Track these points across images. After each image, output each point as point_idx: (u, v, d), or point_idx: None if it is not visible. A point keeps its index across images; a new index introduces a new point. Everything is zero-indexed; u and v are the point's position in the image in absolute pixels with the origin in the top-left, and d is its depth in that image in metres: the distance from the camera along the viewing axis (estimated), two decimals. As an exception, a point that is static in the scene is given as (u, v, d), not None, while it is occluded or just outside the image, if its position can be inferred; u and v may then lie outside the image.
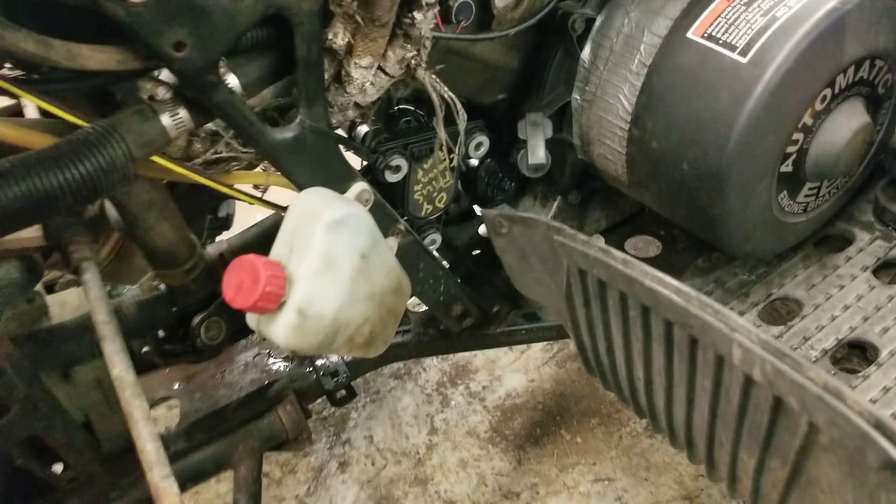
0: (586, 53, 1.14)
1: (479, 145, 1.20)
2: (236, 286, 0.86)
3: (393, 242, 1.06)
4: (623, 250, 1.52)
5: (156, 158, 0.89)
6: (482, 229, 1.59)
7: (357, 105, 0.97)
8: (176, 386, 1.42)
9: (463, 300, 1.27)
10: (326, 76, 0.91)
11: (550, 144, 1.27)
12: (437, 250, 1.56)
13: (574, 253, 0.86)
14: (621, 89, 1.10)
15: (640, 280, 0.76)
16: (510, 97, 1.26)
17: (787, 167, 1.06)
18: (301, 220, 0.91)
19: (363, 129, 1.30)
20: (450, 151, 1.17)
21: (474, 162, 1.33)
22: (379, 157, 1.10)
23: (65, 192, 0.70)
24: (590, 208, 1.44)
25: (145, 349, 1.14)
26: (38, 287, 1.14)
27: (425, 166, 1.15)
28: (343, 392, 1.34)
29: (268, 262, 0.86)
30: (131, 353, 0.88)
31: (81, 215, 1.03)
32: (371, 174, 1.12)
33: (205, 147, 0.93)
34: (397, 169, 1.11)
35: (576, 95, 1.16)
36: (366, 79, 0.91)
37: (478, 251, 1.60)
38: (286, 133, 0.88)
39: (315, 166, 0.93)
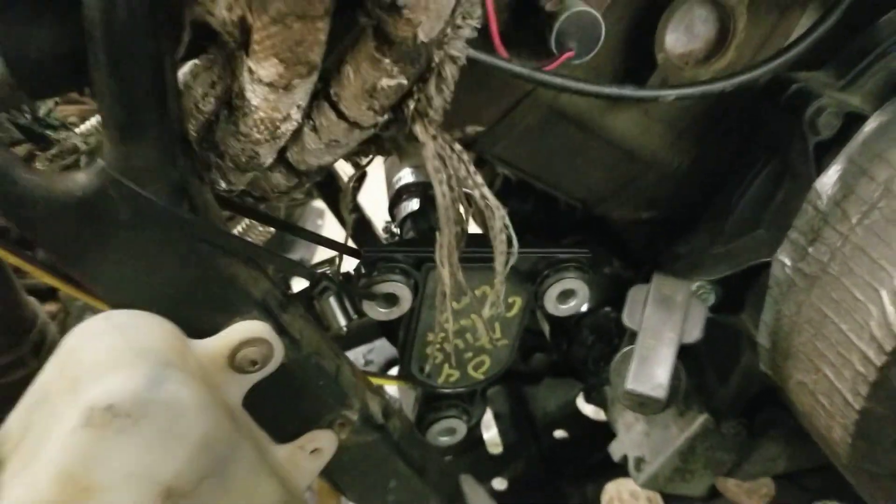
0: (828, 182, 0.55)
1: (567, 295, 0.63)
2: None
3: (321, 443, 0.53)
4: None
5: None
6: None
7: (289, 166, 0.46)
8: None
9: (477, 547, 0.71)
10: (207, 88, 0.41)
11: (712, 328, 0.68)
12: (500, 418, 1.01)
13: None
14: (888, 277, 0.49)
15: None
16: (663, 219, 0.69)
17: None
18: (59, 379, 0.42)
19: (411, 205, 0.80)
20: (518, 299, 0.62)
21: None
22: (361, 272, 0.58)
23: None
24: (764, 440, 0.82)
25: None
26: None
27: (455, 306, 0.62)
28: None
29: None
30: None
31: None
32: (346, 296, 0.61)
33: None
34: (391, 300, 0.59)
35: (784, 257, 0.57)
36: (278, 111, 0.40)
37: (562, 433, 1.02)
38: (61, 183, 0.39)
39: (137, 268, 0.43)
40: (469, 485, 0.47)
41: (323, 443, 0.53)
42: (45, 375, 0.42)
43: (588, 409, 1.05)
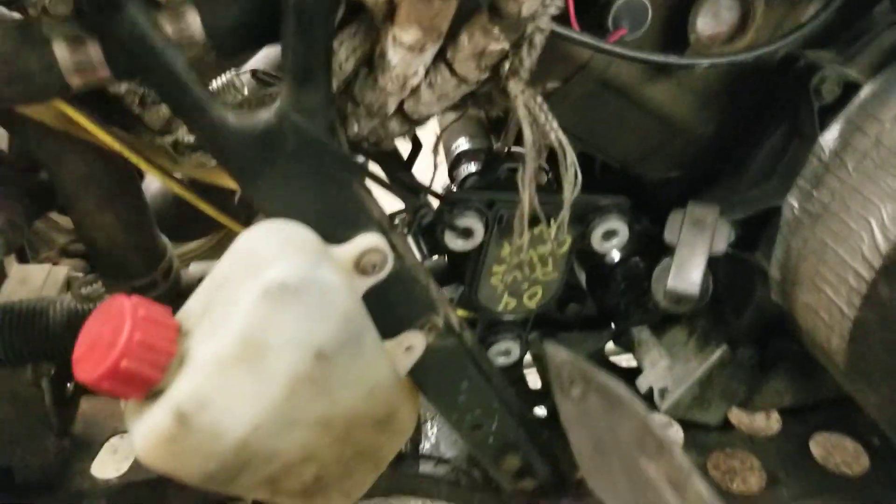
0: (830, 138, 0.67)
1: (610, 234, 0.76)
2: (89, 341, 0.52)
3: (414, 341, 0.66)
4: (806, 449, 1.00)
5: (68, 110, 0.57)
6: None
7: (404, 116, 0.59)
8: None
9: (525, 451, 0.84)
10: (349, 52, 0.54)
11: (730, 266, 0.80)
12: (538, 359, 1.14)
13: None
14: (877, 210, 0.62)
15: None
16: (688, 178, 0.81)
17: None
18: (237, 268, 0.54)
19: (469, 167, 0.92)
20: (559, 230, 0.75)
21: (613, 256, 0.89)
22: (444, 210, 0.71)
23: None
24: (772, 374, 0.94)
25: None
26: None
27: (517, 242, 0.74)
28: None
29: (149, 318, 0.51)
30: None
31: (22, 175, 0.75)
32: (429, 229, 0.74)
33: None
34: (467, 234, 0.72)
35: (793, 201, 0.70)
36: (411, 68, 0.53)
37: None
38: (248, 119, 0.52)
39: (294, 188, 0.55)
40: (550, 346, 0.59)
41: (415, 342, 0.66)
42: (222, 266, 0.54)
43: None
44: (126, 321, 0.50)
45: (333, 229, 0.57)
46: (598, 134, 0.78)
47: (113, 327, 0.51)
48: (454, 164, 0.95)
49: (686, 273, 0.66)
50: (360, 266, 0.58)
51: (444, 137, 1.03)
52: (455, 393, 0.74)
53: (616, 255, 0.90)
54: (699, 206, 0.69)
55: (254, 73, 0.69)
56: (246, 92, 0.67)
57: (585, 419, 0.53)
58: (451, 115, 1.05)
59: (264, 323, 0.51)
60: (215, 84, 0.68)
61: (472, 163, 0.93)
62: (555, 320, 1.08)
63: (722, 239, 0.68)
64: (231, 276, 0.54)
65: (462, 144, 0.96)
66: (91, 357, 0.50)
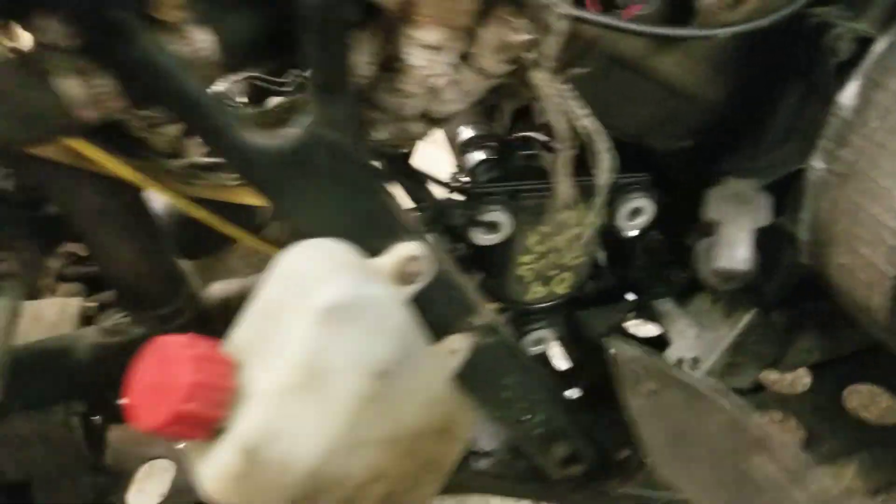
0: (850, 95, 0.67)
1: (636, 211, 0.76)
2: (144, 387, 0.51)
3: (459, 344, 0.65)
4: (840, 402, 1.00)
5: (79, 145, 0.56)
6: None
7: (427, 116, 0.58)
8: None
9: (572, 438, 0.83)
10: (368, 57, 0.52)
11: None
12: (561, 339, 1.13)
13: None
14: (908, 164, 0.62)
15: None
16: (702, 146, 0.80)
17: None
18: (283, 292, 0.53)
19: (477, 155, 0.91)
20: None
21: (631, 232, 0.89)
22: (467, 205, 0.70)
23: None
24: (800, 333, 0.94)
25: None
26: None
27: (543, 230, 0.74)
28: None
29: (205, 357, 0.50)
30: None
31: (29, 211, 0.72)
32: (452, 227, 0.72)
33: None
34: (493, 227, 0.70)
35: (817, 162, 0.69)
36: (435, 69, 0.51)
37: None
38: (277, 141, 0.50)
39: (328, 202, 0.54)
40: (617, 344, 0.58)
41: (459, 344, 0.65)
42: (267, 292, 0.53)
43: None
44: (182, 363, 0.49)
45: (370, 241, 0.56)
46: (607, 110, 0.76)
47: (167, 370, 0.49)
48: (462, 153, 0.93)
49: (734, 251, 0.66)
50: (402, 276, 0.57)
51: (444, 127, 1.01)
52: (500, 389, 0.73)
53: (634, 230, 0.90)
54: (739, 182, 0.69)
55: (250, 78, 0.67)
56: (237, 101, 0.66)
57: (660, 413, 0.52)
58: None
59: (323, 347, 0.50)
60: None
61: (480, 151, 0.92)
62: (573, 298, 1.08)
63: (765, 212, 0.68)
64: (279, 302, 0.52)
65: (465, 132, 0.95)
66: (149, 403, 0.49)
